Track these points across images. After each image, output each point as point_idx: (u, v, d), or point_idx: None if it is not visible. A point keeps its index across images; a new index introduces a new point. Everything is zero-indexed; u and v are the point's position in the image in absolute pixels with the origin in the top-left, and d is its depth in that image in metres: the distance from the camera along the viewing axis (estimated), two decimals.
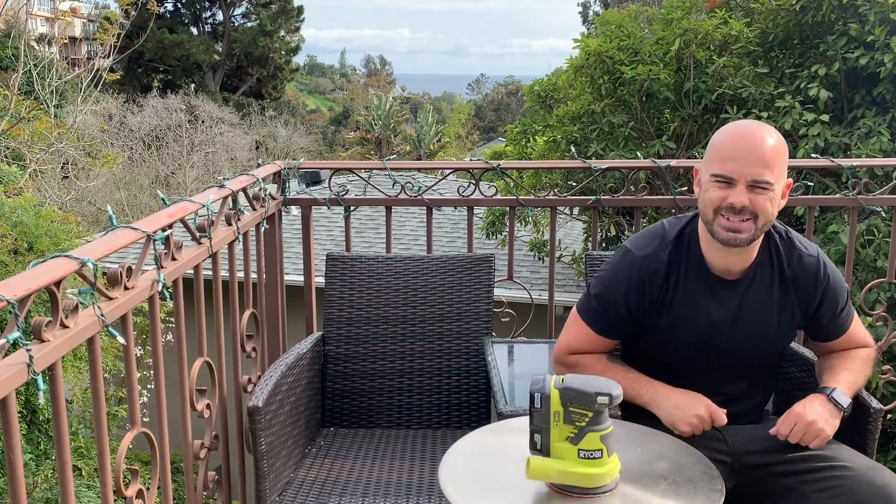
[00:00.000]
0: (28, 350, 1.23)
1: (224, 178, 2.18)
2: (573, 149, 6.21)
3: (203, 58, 31.96)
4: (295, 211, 7.42)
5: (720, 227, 1.72)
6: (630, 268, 1.83)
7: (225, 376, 2.14)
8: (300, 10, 34.25)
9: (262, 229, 2.53)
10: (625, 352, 2.00)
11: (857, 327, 1.94)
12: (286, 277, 2.83)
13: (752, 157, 1.68)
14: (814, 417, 1.71)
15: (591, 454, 1.43)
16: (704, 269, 1.82)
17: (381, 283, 2.52)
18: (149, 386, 7.34)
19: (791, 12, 5.77)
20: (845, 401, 1.75)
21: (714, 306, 1.82)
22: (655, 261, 1.81)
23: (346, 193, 2.81)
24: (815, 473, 1.70)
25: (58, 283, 1.32)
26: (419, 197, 2.80)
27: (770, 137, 1.71)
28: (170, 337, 5.58)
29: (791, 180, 1.80)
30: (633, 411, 1.96)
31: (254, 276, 2.42)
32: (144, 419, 1.69)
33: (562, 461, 1.44)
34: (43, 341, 1.29)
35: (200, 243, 1.96)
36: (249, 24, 33.86)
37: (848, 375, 1.82)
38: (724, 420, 1.74)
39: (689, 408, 1.73)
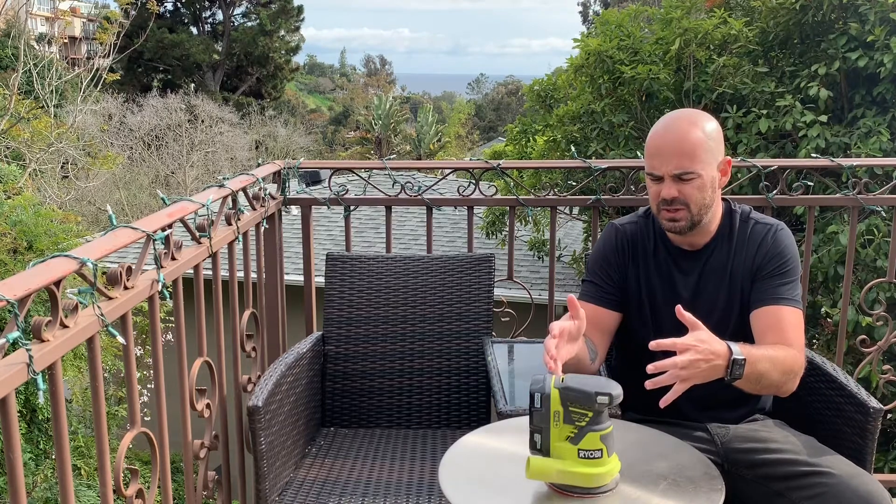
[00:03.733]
0: (28, 350, 1.22)
1: (224, 178, 2.18)
2: (573, 148, 6.22)
3: (203, 57, 31.95)
4: (295, 211, 7.43)
5: (663, 219, 1.88)
6: (609, 234, 2.03)
7: (225, 376, 2.14)
8: (300, 9, 34.25)
9: (262, 229, 2.53)
10: (625, 334, 2.03)
11: (795, 322, 1.82)
12: (286, 277, 2.83)
13: (671, 152, 1.80)
14: (700, 361, 1.56)
15: (591, 454, 1.42)
16: (669, 242, 1.97)
17: (381, 283, 2.52)
18: (149, 386, 7.34)
19: (791, 11, 5.77)
20: (738, 363, 1.60)
21: (679, 275, 1.95)
22: (632, 227, 2.01)
23: (346, 193, 2.81)
24: (801, 479, 1.70)
25: (57, 283, 1.31)
26: (419, 197, 2.79)
27: (692, 127, 1.81)
28: (170, 337, 5.58)
29: (730, 158, 1.90)
30: (630, 409, 1.97)
31: (254, 275, 2.42)
32: (144, 419, 1.69)
33: (562, 461, 1.44)
34: (43, 341, 1.29)
35: (200, 243, 1.96)
36: (249, 24, 33.86)
37: (767, 353, 1.69)
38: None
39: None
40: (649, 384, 1.54)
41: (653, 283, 1.96)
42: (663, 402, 1.55)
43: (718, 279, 1.92)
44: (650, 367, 1.55)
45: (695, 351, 1.56)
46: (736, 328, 1.91)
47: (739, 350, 1.62)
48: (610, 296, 1.97)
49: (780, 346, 1.76)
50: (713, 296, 1.92)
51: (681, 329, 1.88)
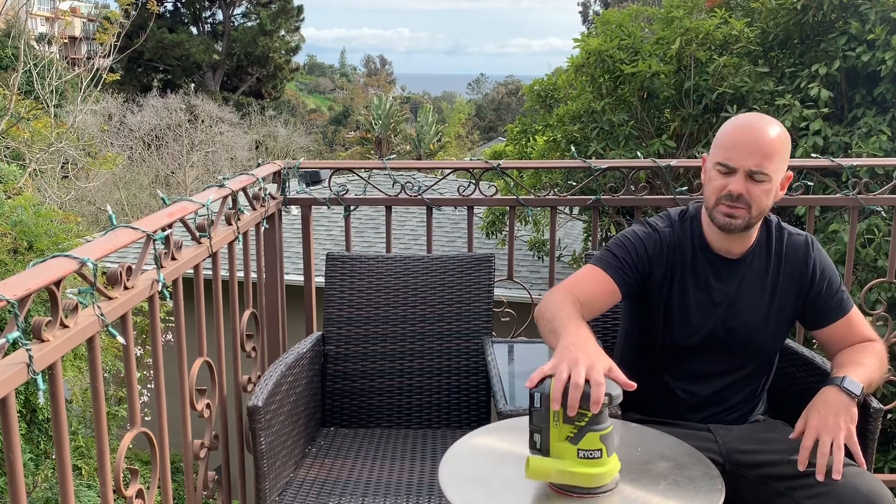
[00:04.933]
0: (28, 350, 1.22)
1: (224, 178, 2.18)
2: (573, 148, 6.22)
3: (203, 57, 31.95)
4: (295, 211, 7.43)
5: (719, 213, 1.81)
6: (649, 233, 1.93)
7: (225, 376, 2.14)
8: (300, 9, 34.26)
9: (262, 229, 2.53)
10: (638, 335, 2.01)
11: (860, 317, 1.94)
12: (286, 277, 2.83)
13: (752, 148, 1.76)
14: (828, 421, 1.68)
15: (591, 454, 1.42)
16: (708, 248, 1.91)
17: (381, 283, 2.52)
18: (149, 386, 7.34)
19: (791, 11, 5.77)
20: (856, 388, 1.72)
21: (716, 283, 1.90)
22: (669, 232, 1.93)
23: (346, 193, 2.81)
24: (803, 479, 1.69)
25: (58, 283, 1.31)
26: (419, 197, 2.80)
27: (773, 130, 1.78)
28: (170, 337, 5.58)
29: (791, 174, 1.88)
30: (630, 409, 1.97)
31: (254, 275, 2.42)
32: (144, 419, 1.69)
33: (561, 461, 1.44)
34: (43, 341, 1.29)
35: (200, 243, 1.96)
36: (249, 24, 33.88)
37: (860, 368, 1.79)
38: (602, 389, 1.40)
39: (574, 352, 1.46)
40: (801, 467, 1.67)
41: (687, 289, 1.90)
42: (832, 474, 1.65)
43: (759, 289, 1.90)
44: (801, 467, 1.68)
45: (825, 429, 1.67)
46: (768, 338, 1.92)
47: (851, 380, 1.74)
48: (624, 268, 1.87)
49: (862, 348, 1.88)
50: (751, 305, 1.90)
51: (712, 334, 1.89)
